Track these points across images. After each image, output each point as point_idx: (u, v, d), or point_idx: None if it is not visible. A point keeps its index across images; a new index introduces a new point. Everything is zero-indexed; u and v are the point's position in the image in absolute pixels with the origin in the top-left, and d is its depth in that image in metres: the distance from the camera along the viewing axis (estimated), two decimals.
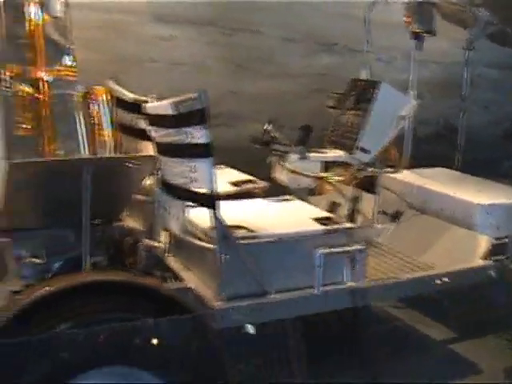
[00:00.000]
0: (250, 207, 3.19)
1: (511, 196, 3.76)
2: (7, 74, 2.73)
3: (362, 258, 2.93)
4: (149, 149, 3.24)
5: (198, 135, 2.49)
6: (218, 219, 2.57)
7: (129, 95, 3.30)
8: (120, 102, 3.24)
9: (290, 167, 3.46)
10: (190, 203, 2.70)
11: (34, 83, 2.78)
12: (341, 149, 3.63)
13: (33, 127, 2.76)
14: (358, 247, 2.91)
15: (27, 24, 2.83)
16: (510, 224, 3.60)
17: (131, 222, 3.49)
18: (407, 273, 3.25)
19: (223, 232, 2.59)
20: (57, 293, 2.13)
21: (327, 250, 2.82)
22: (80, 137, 2.87)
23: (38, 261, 3.10)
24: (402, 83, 5.79)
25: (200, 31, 4.85)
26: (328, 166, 3.67)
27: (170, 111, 2.57)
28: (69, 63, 2.90)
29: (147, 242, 3.35)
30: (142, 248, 3.34)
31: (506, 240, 3.55)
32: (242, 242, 2.65)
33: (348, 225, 2.97)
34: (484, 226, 3.55)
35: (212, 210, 2.55)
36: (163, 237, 3.37)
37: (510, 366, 3.49)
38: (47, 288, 2.12)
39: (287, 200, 3.43)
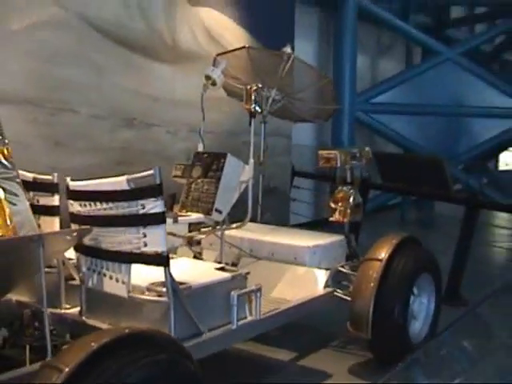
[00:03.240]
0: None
1: (323, 238, 4.79)
2: None
3: (259, 296, 3.63)
4: (53, 224, 3.53)
5: (152, 206, 2.98)
6: (170, 275, 3.07)
7: (26, 174, 3.57)
8: None
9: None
10: (140, 265, 3.11)
11: None
12: (197, 211, 4.27)
13: None
14: (256, 287, 3.62)
15: None
16: (328, 259, 4.62)
17: (15, 296, 3.67)
18: (278, 305, 4.00)
19: (173, 285, 3.10)
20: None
21: (240, 291, 3.48)
22: (26, 214, 3.08)
23: None
24: (186, 150, 6.67)
25: (20, 110, 5.07)
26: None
27: (124, 186, 3.00)
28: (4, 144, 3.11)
29: (54, 310, 3.58)
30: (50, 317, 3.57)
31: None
32: (185, 292, 3.18)
33: (244, 271, 3.65)
34: (312, 262, 4.51)
35: (166, 268, 3.05)
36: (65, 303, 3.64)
37: (352, 366, 4.47)
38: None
39: (173, 258, 3.96)
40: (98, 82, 5.67)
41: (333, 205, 4.97)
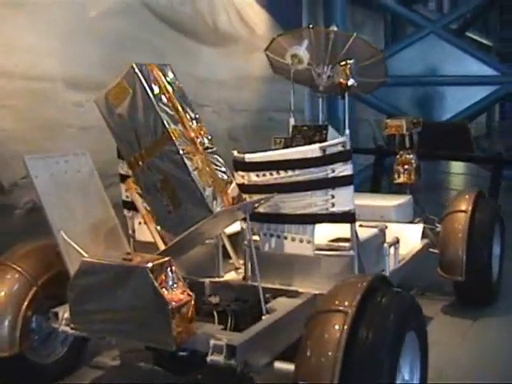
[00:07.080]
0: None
1: (396, 198, 5.26)
2: (173, 137, 3.16)
3: (398, 247, 4.11)
4: None
5: (341, 169, 3.38)
6: (355, 230, 3.49)
7: None
8: None
9: None
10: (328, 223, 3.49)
11: (191, 143, 3.25)
12: None
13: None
14: (396, 239, 4.09)
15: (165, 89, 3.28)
16: (406, 215, 5.12)
17: None
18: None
19: (357, 240, 3.52)
20: None
21: (390, 242, 3.94)
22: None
23: None
24: (228, 129, 7.04)
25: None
26: None
27: (317, 153, 3.38)
28: (197, 122, 3.38)
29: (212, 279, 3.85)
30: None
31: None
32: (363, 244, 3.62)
33: (385, 225, 4.10)
34: (397, 219, 5.00)
35: (353, 224, 3.46)
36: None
37: (443, 308, 5.02)
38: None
39: None
40: None
41: (400, 168, 5.49)
